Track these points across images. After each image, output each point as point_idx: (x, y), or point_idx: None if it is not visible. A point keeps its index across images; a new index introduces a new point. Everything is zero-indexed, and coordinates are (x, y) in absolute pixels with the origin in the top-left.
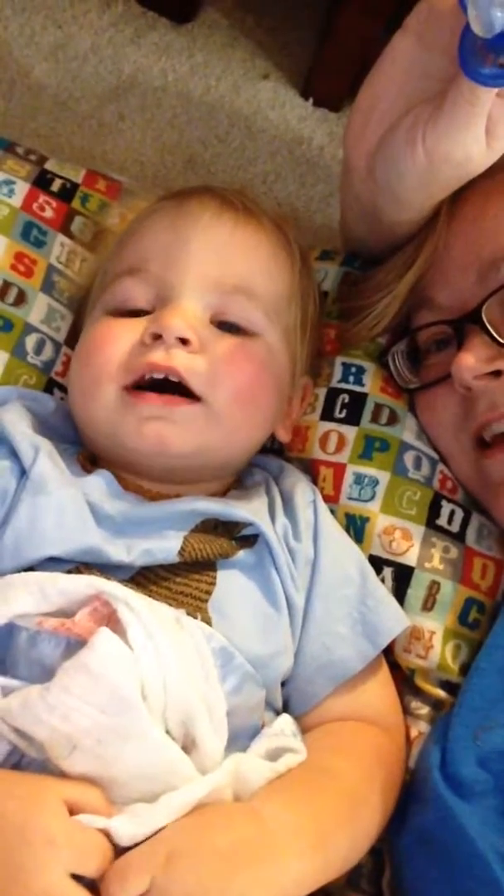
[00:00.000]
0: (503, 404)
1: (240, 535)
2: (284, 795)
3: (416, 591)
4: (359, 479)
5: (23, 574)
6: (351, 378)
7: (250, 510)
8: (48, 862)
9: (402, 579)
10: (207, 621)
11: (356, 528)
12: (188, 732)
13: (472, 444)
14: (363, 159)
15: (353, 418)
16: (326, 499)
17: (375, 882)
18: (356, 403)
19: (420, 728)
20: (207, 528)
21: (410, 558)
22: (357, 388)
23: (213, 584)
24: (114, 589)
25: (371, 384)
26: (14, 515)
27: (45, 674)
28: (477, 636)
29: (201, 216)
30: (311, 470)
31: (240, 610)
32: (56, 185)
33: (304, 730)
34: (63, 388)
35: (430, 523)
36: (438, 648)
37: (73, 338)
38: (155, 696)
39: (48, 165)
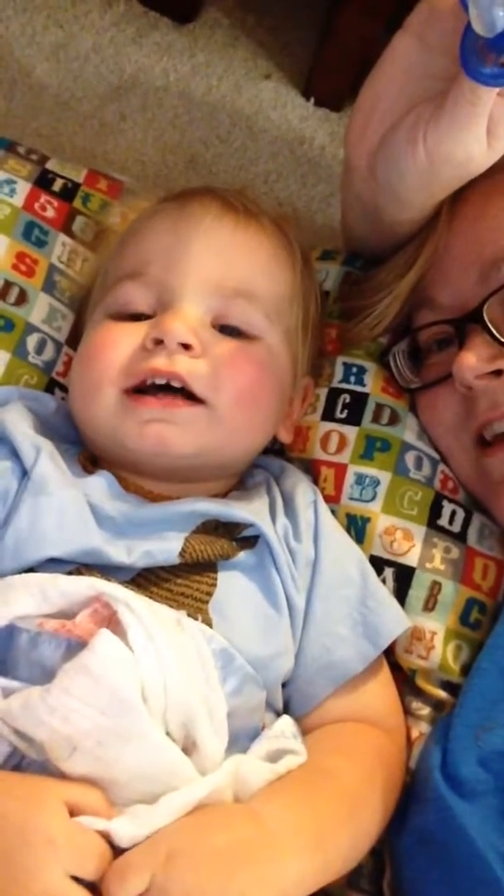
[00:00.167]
0: None
1: (240, 536)
2: (284, 796)
3: (418, 592)
4: (360, 479)
5: (24, 575)
6: (352, 378)
7: (251, 511)
8: (48, 862)
9: (403, 580)
10: (208, 623)
11: (357, 528)
12: (189, 734)
13: (472, 444)
14: (364, 159)
15: (354, 418)
16: (327, 499)
17: (376, 882)
18: (357, 403)
19: (421, 729)
20: (208, 529)
21: (412, 559)
22: (358, 388)
23: (214, 585)
24: (115, 590)
25: (372, 384)
26: (15, 516)
27: (45, 675)
28: (478, 637)
29: (202, 219)
30: (312, 470)
31: (240, 611)
32: (57, 185)
33: (305, 731)
34: (64, 389)
35: (432, 523)
36: (440, 649)
37: (74, 338)
38: (155, 698)
39: (49, 165)
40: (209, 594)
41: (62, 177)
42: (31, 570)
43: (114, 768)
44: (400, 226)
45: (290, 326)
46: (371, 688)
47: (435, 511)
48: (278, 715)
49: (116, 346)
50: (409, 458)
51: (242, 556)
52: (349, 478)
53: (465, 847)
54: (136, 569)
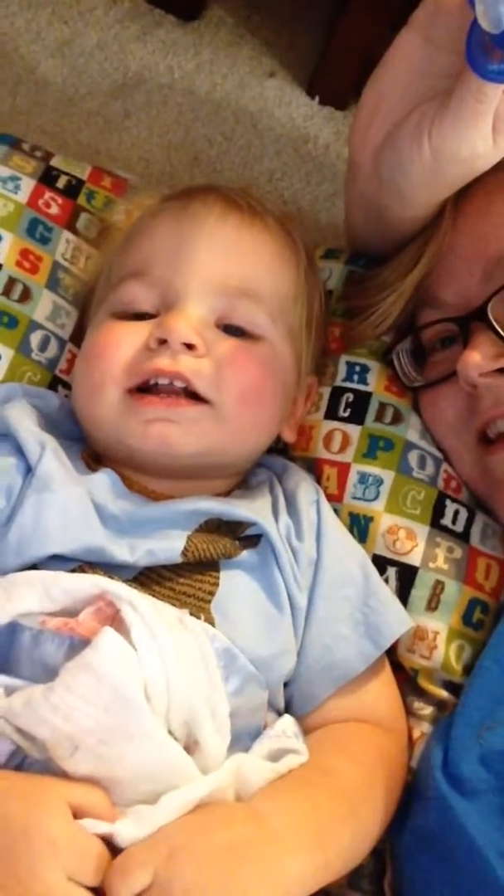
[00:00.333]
0: None
1: (243, 535)
2: (285, 795)
3: (420, 591)
4: (363, 478)
5: (27, 573)
6: (355, 377)
7: (253, 510)
8: (49, 863)
9: (406, 579)
10: (210, 622)
11: (360, 527)
12: (191, 733)
13: (475, 442)
14: (369, 157)
15: (357, 417)
16: (330, 498)
17: (377, 882)
18: (360, 402)
19: (423, 729)
20: (211, 528)
21: (414, 558)
22: (361, 387)
23: (217, 584)
24: (118, 589)
25: (375, 383)
26: (19, 513)
27: (48, 673)
28: (481, 636)
29: (206, 218)
30: (315, 469)
31: (243, 610)
32: (62, 182)
33: (307, 731)
34: (67, 386)
35: (435, 523)
36: (442, 649)
37: (78, 335)
38: (158, 697)
39: (54, 162)
40: (211, 593)
41: (66, 174)
42: (33, 567)
43: (116, 767)
44: (404, 224)
45: (293, 325)
46: (373, 688)
47: (438, 510)
48: (280, 714)
49: (120, 345)
50: (413, 457)
51: (245, 555)
52: (352, 477)
53: (466, 846)
54: (138, 567)
